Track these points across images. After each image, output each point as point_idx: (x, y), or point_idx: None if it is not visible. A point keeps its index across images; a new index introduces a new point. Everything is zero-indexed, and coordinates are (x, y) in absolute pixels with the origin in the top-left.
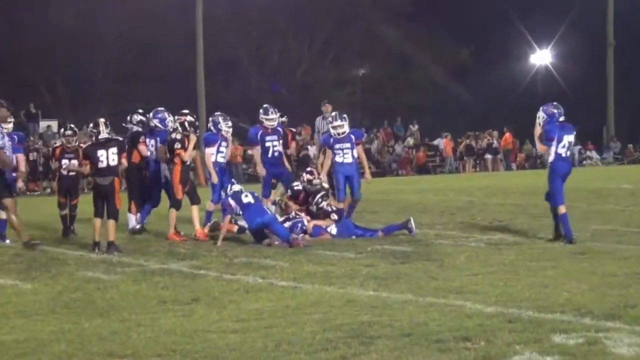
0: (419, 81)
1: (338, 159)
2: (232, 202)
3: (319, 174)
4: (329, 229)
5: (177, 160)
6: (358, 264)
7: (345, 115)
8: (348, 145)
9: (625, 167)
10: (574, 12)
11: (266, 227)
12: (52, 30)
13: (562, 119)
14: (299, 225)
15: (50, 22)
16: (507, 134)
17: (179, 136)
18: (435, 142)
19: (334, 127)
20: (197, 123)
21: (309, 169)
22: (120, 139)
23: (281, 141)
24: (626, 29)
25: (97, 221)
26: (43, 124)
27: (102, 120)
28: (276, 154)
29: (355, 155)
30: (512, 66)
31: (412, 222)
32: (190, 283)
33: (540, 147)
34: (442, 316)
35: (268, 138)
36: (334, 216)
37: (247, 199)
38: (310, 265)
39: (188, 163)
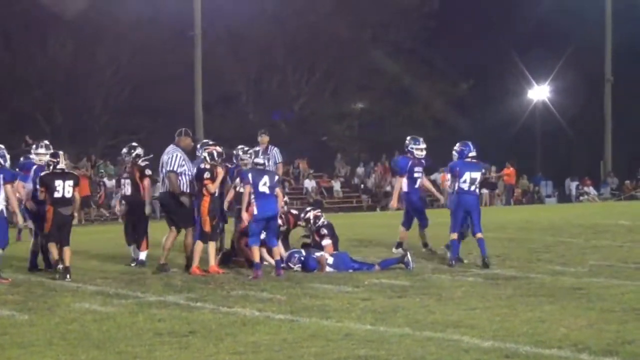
0: (417, 115)
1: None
2: (250, 177)
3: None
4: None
5: (205, 191)
6: (355, 298)
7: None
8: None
9: (623, 203)
10: (571, 48)
11: (269, 221)
12: (50, 62)
13: (472, 154)
14: (297, 256)
15: (49, 54)
16: (511, 169)
17: (207, 166)
18: (433, 177)
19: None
20: (224, 155)
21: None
22: (76, 174)
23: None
24: (624, 65)
25: (54, 245)
26: None
27: (61, 152)
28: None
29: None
30: (510, 101)
31: (409, 256)
32: (187, 315)
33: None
34: (439, 350)
35: (416, 169)
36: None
37: (263, 187)
38: (307, 299)
39: (216, 194)
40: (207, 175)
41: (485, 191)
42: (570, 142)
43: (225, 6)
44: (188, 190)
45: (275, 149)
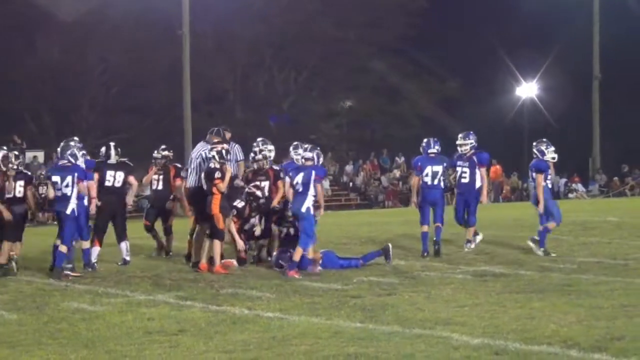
0: (405, 114)
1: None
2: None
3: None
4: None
5: (215, 189)
6: (345, 295)
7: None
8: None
9: (611, 200)
10: (559, 46)
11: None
12: (39, 62)
13: (431, 151)
14: (287, 256)
15: (38, 54)
16: (497, 167)
17: (217, 165)
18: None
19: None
20: (230, 153)
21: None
22: (29, 173)
23: (162, 177)
24: (611, 62)
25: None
26: (29, 155)
27: (14, 153)
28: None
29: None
30: (498, 99)
31: (390, 248)
32: (176, 314)
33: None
34: (428, 347)
35: (459, 163)
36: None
37: (297, 186)
38: (297, 297)
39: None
40: (218, 175)
41: None
42: (559, 139)
43: (212, 5)
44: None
45: (237, 145)
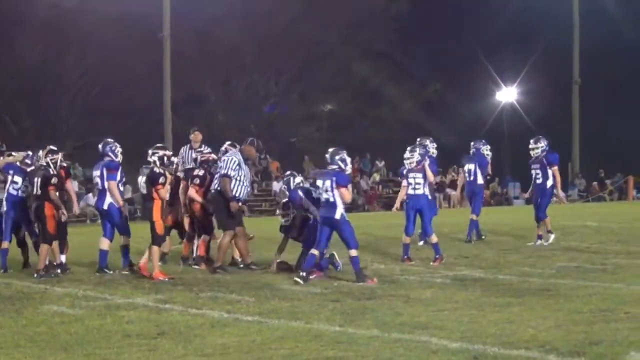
0: (385, 117)
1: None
2: (301, 194)
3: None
4: None
5: (155, 195)
6: (324, 300)
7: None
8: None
9: (590, 205)
10: (539, 50)
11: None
12: (18, 64)
13: (472, 152)
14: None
15: (17, 56)
16: None
17: (162, 171)
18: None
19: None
20: (172, 158)
21: None
22: None
23: None
24: (591, 67)
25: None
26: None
27: None
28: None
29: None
30: (478, 103)
31: (336, 256)
32: (155, 317)
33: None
34: (407, 352)
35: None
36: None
37: (316, 194)
38: (276, 300)
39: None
40: (162, 180)
41: (454, 192)
42: None
43: (193, 8)
44: (240, 196)
45: (208, 149)
